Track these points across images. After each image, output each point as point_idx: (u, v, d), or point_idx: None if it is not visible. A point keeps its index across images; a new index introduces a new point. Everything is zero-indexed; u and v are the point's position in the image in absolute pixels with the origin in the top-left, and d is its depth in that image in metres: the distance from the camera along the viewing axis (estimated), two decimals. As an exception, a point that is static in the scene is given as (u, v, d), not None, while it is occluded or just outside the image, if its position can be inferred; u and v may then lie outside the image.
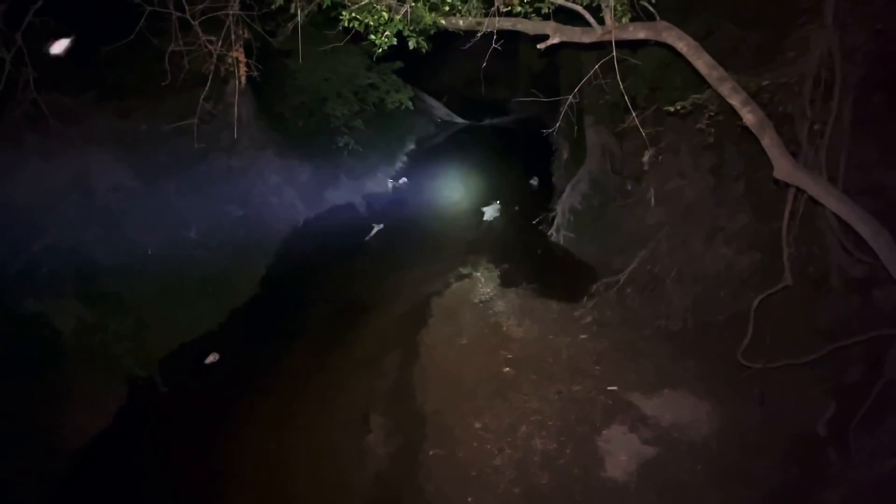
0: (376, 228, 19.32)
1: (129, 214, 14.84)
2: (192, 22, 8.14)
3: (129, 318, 13.56)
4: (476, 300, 14.08)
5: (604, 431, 9.96)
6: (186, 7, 8.10)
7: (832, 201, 7.39)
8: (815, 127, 8.87)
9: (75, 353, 12.43)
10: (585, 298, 13.32)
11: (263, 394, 12.03)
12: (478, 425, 10.36)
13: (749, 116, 7.11)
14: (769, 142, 7.20)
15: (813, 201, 8.19)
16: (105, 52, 10.41)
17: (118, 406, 12.03)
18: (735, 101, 7.11)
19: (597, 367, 11.42)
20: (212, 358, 13.16)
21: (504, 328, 12.85)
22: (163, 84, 9.09)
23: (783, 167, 7.28)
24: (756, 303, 9.12)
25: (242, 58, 10.33)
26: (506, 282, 14.94)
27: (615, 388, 10.80)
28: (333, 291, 15.77)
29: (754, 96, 7.79)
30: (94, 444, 11.25)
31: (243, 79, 10.89)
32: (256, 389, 12.17)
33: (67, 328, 12.65)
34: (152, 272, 14.53)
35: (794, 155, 7.87)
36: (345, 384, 12.03)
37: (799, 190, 8.29)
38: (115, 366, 12.67)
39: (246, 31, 9.78)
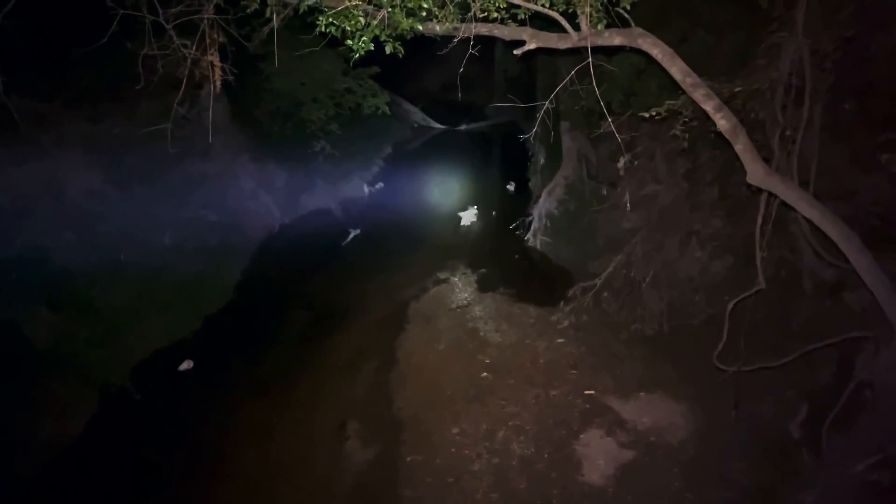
0: (353, 233, 19.28)
1: (102, 220, 14.63)
2: (166, 26, 8.04)
3: (101, 326, 13.35)
4: (454, 305, 14.09)
5: (581, 436, 9.99)
6: (160, 10, 7.99)
7: (804, 206, 7.50)
8: (787, 133, 9.00)
9: (46, 362, 12.20)
10: (562, 303, 13.37)
11: (238, 401, 11.90)
12: (456, 431, 10.34)
13: (722, 122, 7.19)
14: (742, 147, 7.29)
15: (785, 206, 8.31)
16: (77, 55, 10.26)
17: (90, 415, 11.80)
18: (708, 106, 7.19)
19: (574, 372, 11.47)
20: (186, 365, 12.98)
21: (482, 333, 12.86)
22: (136, 88, 8.96)
23: (756, 172, 7.38)
24: (730, 306, 9.21)
25: (217, 62, 10.25)
26: (483, 287, 14.98)
27: (592, 392, 10.85)
28: (310, 297, 15.68)
29: (727, 102, 7.88)
30: (65, 454, 11.02)
31: (218, 83, 10.81)
32: (231, 397, 12.03)
33: (38, 336, 12.43)
34: (125, 278, 14.34)
35: (767, 160, 7.98)
36: (322, 391, 11.94)
37: (771, 195, 8.40)
38: (87, 374, 12.45)
39: (221, 35, 9.71)
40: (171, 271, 15.26)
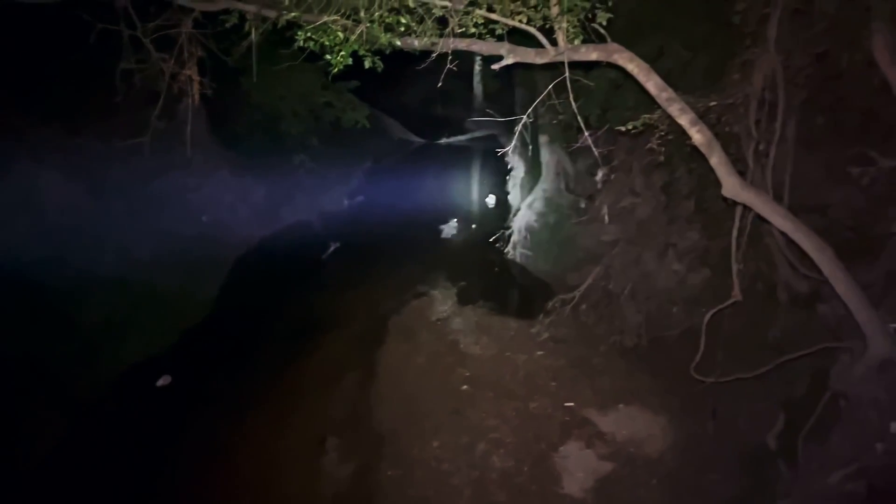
0: (333, 247, 19.21)
1: (79, 234, 14.45)
2: (144, 39, 8.04)
3: (77, 340, 13.15)
4: (434, 318, 14.08)
5: (561, 448, 10.01)
6: (138, 24, 7.99)
7: (778, 219, 7.63)
8: (761, 146, 9.15)
9: (21, 378, 11.98)
10: (542, 315, 13.41)
11: (217, 417, 11.76)
12: (435, 444, 10.31)
13: (697, 136, 7.30)
14: (717, 161, 7.40)
15: (760, 219, 8.44)
16: (54, 68, 10.20)
17: (64, 432, 11.59)
18: (684, 121, 7.29)
19: (553, 384, 11.50)
20: (163, 380, 12.80)
21: (461, 346, 12.86)
22: (114, 101, 8.93)
23: (731, 185, 7.49)
24: (707, 318, 9.30)
25: (196, 76, 10.22)
26: (463, 299, 15.00)
27: (572, 404, 10.88)
28: (289, 311, 15.56)
29: (702, 116, 8.00)
30: (40, 472, 10.80)
31: (197, 97, 10.78)
32: (209, 412, 11.88)
33: (13, 352, 12.21)
34: (103, 293, 14.15)
35: (742, 173, 8.10)
36: (301, 406, 11.84)
37: (746, 208, 8.52)
38: (63, 389, 12.24)
39: (199, 49, 9.69)
40: (150, 285, 15.08)
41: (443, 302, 14.88)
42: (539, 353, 12.47)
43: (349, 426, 11.19)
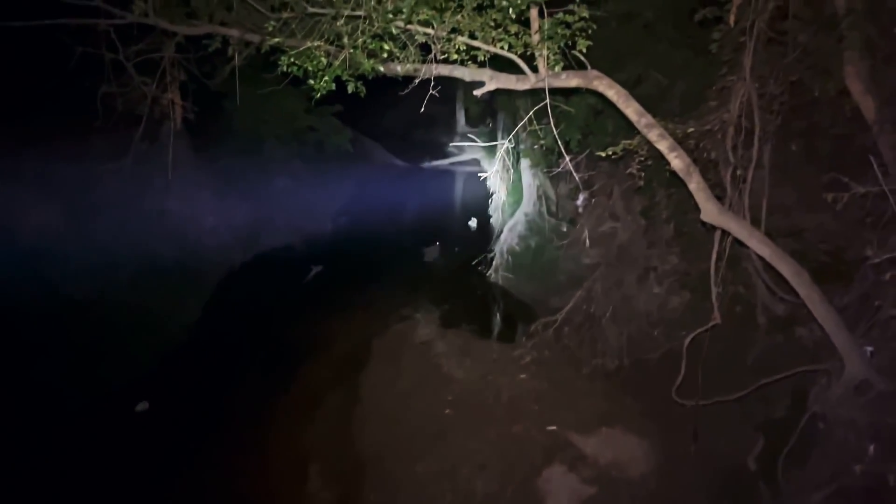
0: (315, 270, 19.16)
1: (57, 257, 14.31)
2: (126, 63, 8.04)
3: (54, 365, 12.96)
4: (417, 342, 14.06)
5: (544, 471, 9.96)
6: (120, 48, 8.00)
7: (755, 243, 7.75)
8: (738, 172, 9.29)
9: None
10: (524, 338, 13.44)
11: (197, 442, 11.61)
12: (419, 469, 10.24)
13: (676, 161, 7.42)
14: (696, 186, 7.52)
15: (738, 243, 8.55)
16: (35, 92, 10.16)
17: (42, 457, 11.37)
18: (663, 146, 7.41)
19: (536, 407, 11.48)
20: (142, 406, 12.64)
21: (445, 369, 12.83)
22: (94, 124, 8.91)
23: (709, 210, 7.60)
24: (687, 341, 9.35)
25: (178, 100, 10.25)
26: (446, 323, 15.00)
27: (554, 427, 10.86)
28: (271, 335, 15.47)
29: (681, 142, 8.13)
30: (12, 500, 10.59)
31: (179, 120, 10.79)
32: (189, 438, 11.73)
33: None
34: (79, 317, 13.99)
35: (720, 198, 8.23)
36: (282, 431, 11.73)
37: (725, 232, 8.64)
38: (37, 415, 12.02)
39: (182, 73, 9.73)
40: (128, 310, 14.94)
41: (426, 325, 14.86)
42: (522, 376, 12.46)
43: (332, 451, 11.10)
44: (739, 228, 7.80)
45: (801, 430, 8.26)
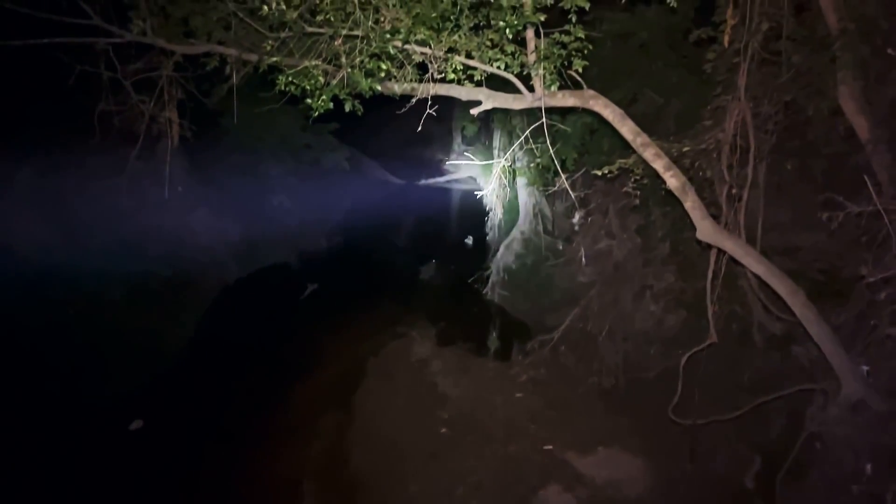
0: (311, 288, 19.11)
1: (51, 274, 14.26)
2: (125, 82, 8.07)
3: (47, 381, 12.87)
4: (412, 360, 14.01)
5: (540, 492, 9.90)
6: (119, 67, 8.03)
7: (751, 262, 7.77)
8: (734, 191, 9.33)
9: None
10: (521, 356, 13.44)
11: (191, 461, 11.50)
12: (414, 489, 10.16)
13: (672, 180, 7.46)
14: (691, 205, 7.56)
15: (734, 261, 8.57)
16: (32, 109, 10.17)
17: (31, 477, 11.25)
18: (658, 165, 7.46)
19: (532, 426, 11.44)
20: (136, 424, 12.53)
21: (440, 388, 12.79)
22: (91, 142, 8.91)
23: (705, 229, 7.64)
24: (684, 360, 9.35)
25: (175, 118, 10.27)
26: (442, 340, 14.96)
27: (551, 446, 10.81)
28: (266, 353, 15.39)
29: (676, 161, 8.18)
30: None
31: (176, 138, 10.81)
32: (183, 456, 11.62)
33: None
34: (74, 333, 13.91)
35: (715, 217, 8.26)
36: (276, 450, 11.63)
37: (721, 250, 8.66)
38: (31, 433, 11.91)
39: (180, 91, 9.75)
40: (123, 326, 14.86)
41: (421, 343, 14.82)
42: (518, 394, 12.42)
43: (326, 470, 11.01)
44: (735, 247, 7.83)
45: (799, 450, 8.25)
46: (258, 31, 7.34)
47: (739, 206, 9.32)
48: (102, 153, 11.75)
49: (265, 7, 6.51)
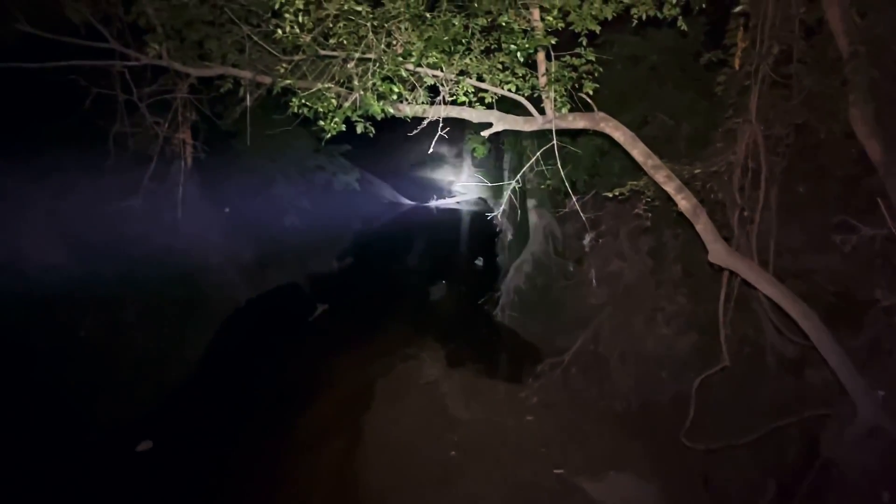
0: (320, 308, 19.11)
1: (63, 295, 14.33)
2: (140, 104, 8.16)
3: (56, 402, 12.87)
4: (422, 382, 13.94)
5: (551, 517, 9.81)
6: (134, 89, 8.13)
7: (764, 284, 7.71)
8: (746, 213, 9.30)
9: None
10: (531, 379, 13.34)
11: (199, 482, 11.45)
12: (423, 513, 10.08)
13: (683, 203, 7.44)
14: (703, 227, 7.53)
15: (747, 284, 8.51)
16: (48, 131, 10.27)
17: (43, 496, 11.22)
18: (669, 188, 7.44)
19: (543, 450, 11.33)
20: (144, 445, 12.50)
21: (450, 410, 12.70)
22: (106, 163, 9.00)
23: (717, 252, 7.60)
24: (696, 384, 9.27)
25: (189, 139, 10.34)
26: (452, 362, 14.88)
27: (562, 471, 10.70)
28: (275, 374, 15.37)
29: (687, 183, 8.17)
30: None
31: (189, 160, 10.88)
32: (192, 478, 11.58)
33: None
34: (84, 355, 13.95)
35: (727, 239, 8.23)
36: (285, 471, 11.57)
37: (733, 273, 8.61)
38: (39, 451, 11.90)
39: (194, 113, 9.84)
40: (133, 347, 14.91)
41: (431, 365, 14.75)
42: (528, 417, 12.32)
43: (336, 493, 10.93)
44: (747, 270, 7.78)
45: (814, 476, 8.12)
46: (272, 54, 7.43)
47: (751, 228, 9.28)
48: (117, 174, 11.83)
49: (279, 31, 6.58)
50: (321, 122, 7.29)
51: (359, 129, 7.48)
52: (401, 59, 6.74)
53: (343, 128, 7.39)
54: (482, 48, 7.17)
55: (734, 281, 9.21)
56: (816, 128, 9.31)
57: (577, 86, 7.26)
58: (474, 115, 7.70)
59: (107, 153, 8.83)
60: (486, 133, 7.77)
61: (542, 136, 7.85)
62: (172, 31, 7.60)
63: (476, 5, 6.74)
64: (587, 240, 15.26)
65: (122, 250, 15.78)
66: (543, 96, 7.34)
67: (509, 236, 20.52)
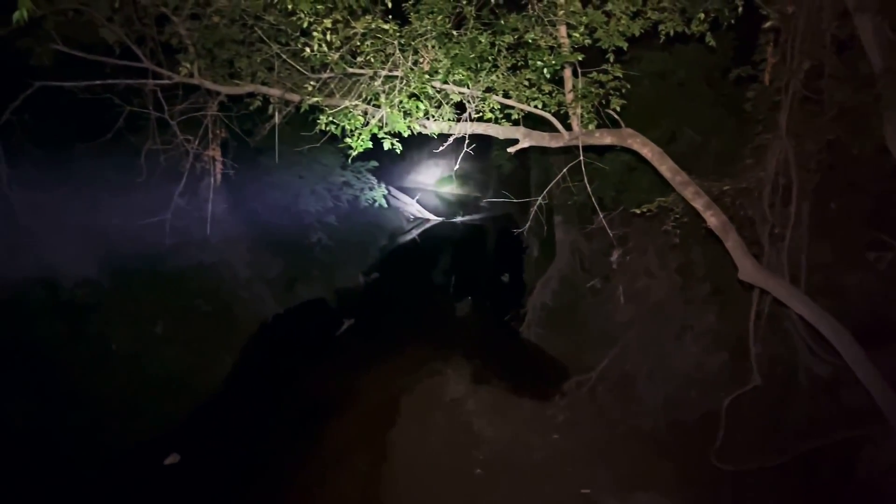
0: (347, 323, 19.18)
1: (94, 310, 14.58)
2: (171, 122, 8.31)
3: (86, 415, 13.04)
4: (447, 398, 13.88)
5: (577, 537, 9.67)
6: (166, 107, 8.28)
7: (795, 302, 7.58)
8: (776, 230, 9.19)
9: (27, 453, 11.82)
10: (557, 396, 13.23)
11: (225, 497, 11.51)
12: (448, 531, 10.01)
13: (712, 219, 7.36)
14: (732, 244, 7.43)
15: (777, 302, 8.38)
16: (81, 148, 10.46)
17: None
18: (698, 204, 7.37)
19: (569, 469, 11.20)
20: (172, 459, 12.60)
21: (475, 428, 12.62)
22: (138, 180, 9.16)
23: (747, 269, 7.49)
24: (726, 403, 9.13)
25: (219, 156, 10.49)
26: (477, 379, 14.80)
27: (588, 490, 10.56)
28: (301, 389, 15.42)
29: (716, 200, 8.08)
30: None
31: (219, 176, 11.04)
32: (218, 493, 11.64)
33: (19, 424, 12.10)
34: (114, 368, 14.14)
35: (757, 256, 8.12)
36: (310, 488, 11.57)
37: (763, 291, 8.49)
38: (69, 463, 12.04)
39: (223, 130, 9.99)
40: (162, 361, 15.06)
41: (456, 381, 14.69)
42: (555, 436, 12.20)
43: (360, 510, 10.92)
44: (778, 287, 7.65)
45: (849, 500, 7.93)
46: (300, 72, 7.53)
47: (782, 245, 9.16)
48: (148, 190, 12.03)
49: (307, 49, 6.69)
50: (348, 139, 7.36)
51: (386, 146, 7.54)
52: (427, 76, 6.80)
53: (370, 145, 7.45)
54: (508, 65, 7.21)
55: (765, 299, 9.07)
56: (848, 143, 9.17)
57: (603, 102, 7.25)
58: (500, 131, 7.72)
59: (139, 170, 8.98)
60: (512, 149, 7.77)
61: (568, 152, 7.85)
62: (203, 50, 7.74)
63: (503, 23, 6.79)
64: (614, 256, 15.15)
65: (152, 265, 16.02)
66: (570, 112, 7.34)
67: (535, 252, 20.44)
